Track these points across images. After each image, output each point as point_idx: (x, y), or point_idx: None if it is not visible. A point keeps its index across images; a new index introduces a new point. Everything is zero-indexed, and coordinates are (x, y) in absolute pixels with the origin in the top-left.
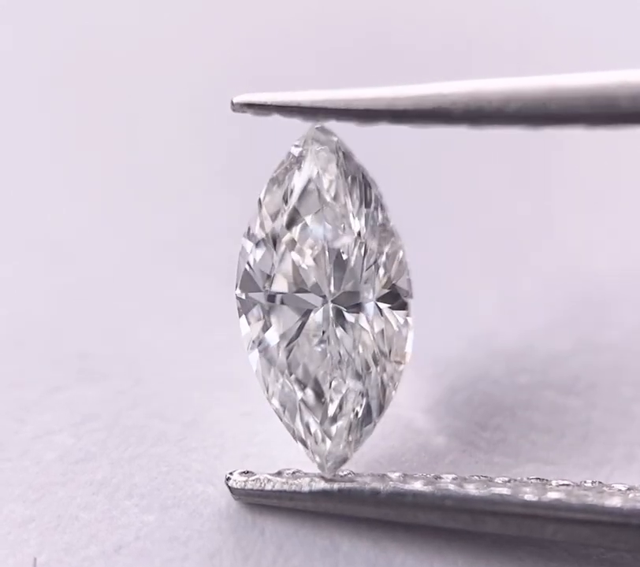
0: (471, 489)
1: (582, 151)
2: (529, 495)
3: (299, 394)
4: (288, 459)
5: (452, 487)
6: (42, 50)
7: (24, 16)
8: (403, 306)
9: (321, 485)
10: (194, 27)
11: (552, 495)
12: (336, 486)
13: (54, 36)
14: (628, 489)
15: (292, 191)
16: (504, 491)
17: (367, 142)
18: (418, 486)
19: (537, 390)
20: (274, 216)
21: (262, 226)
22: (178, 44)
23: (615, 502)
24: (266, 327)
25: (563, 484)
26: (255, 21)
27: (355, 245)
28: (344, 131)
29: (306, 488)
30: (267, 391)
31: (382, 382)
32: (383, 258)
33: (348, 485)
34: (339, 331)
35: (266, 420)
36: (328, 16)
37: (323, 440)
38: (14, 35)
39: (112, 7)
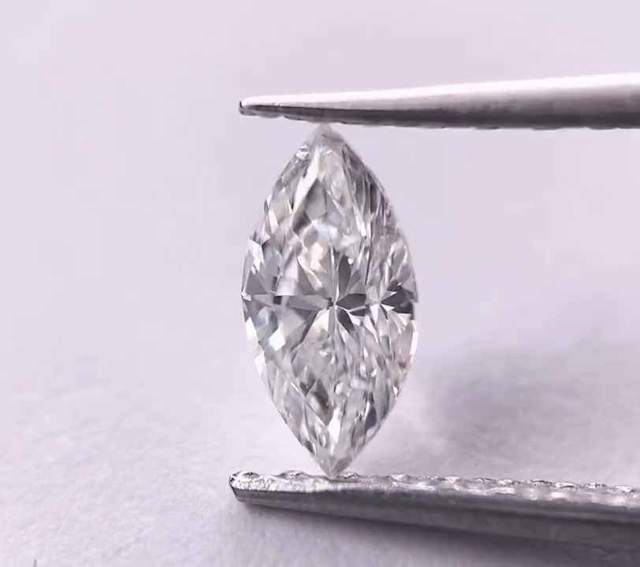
0: (475, 489)
1: (582, 151)
2: (532, 495)
3: (304, 398)
4: (289, 461)
5: (456, 487)
6: (45, 48)
7: (22, 16)
8: (408, 309)
9: (325, 486)
10: (195, 28)
11: (556, 495)
12: (339, 486)
13: (58, 35)
14: (631, 491)
15: (298, 195)
16: (508, 490)
17: (372, 144)
18: (421, 486)
19: (537, 392)
20: (281, 220)
21: (268, 229)
22: (181, 46)
23: (619, 501)
24: (271, 331)
25: (567, 486)
26: (258, 23)
27: (360, 248)
28: (349, 133)
29: (310, 489)
30: (273, 395)
31: (386, 385)
32: (389, 260)
33: (352, 486)
34: (344, 334)
35: (267, 423)
36: (331, 20)
37: (328, 444)
38: (15, 35)
39: (115, 6)
